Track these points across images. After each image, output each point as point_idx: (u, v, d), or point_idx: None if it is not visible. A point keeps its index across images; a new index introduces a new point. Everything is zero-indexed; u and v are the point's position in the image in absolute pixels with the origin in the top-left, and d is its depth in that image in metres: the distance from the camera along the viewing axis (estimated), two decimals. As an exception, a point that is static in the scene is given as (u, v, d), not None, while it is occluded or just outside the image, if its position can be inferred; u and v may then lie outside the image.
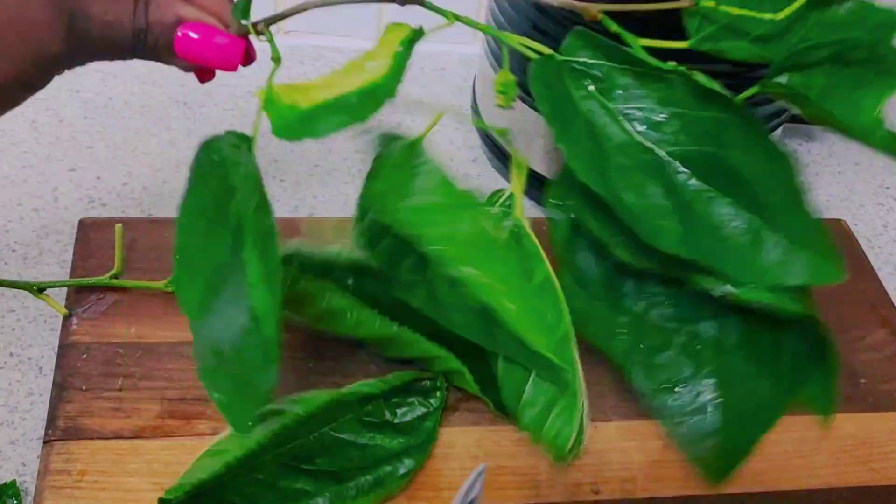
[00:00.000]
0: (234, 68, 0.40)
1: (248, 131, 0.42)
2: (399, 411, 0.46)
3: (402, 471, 0.44)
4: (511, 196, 0.46)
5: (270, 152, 0.65)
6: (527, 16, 0.59)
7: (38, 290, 0.50)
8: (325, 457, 0.44)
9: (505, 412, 0.47)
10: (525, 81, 0.62)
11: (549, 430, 0.42)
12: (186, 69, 0.42)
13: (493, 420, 0.47)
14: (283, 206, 0.61)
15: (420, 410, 0.46)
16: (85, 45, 0.39)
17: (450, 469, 0.45)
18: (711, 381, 0.42)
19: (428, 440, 0.45)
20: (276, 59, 0.40)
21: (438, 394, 0.47)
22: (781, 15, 0.42)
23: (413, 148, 0.44)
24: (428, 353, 0.47)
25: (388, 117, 0.71)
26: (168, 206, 0.59)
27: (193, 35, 0.39)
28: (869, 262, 0.60)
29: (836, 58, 0.42)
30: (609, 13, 0.45)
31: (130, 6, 0.39)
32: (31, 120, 0.64)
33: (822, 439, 0.49)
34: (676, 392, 0.42)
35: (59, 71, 0.39)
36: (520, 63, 0.62)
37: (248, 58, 0.43)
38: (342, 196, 0.63)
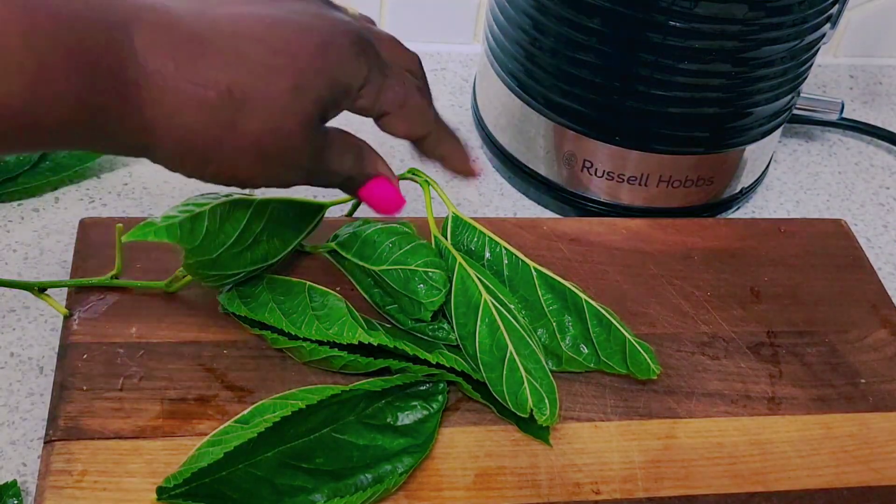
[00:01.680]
0: (393, 213, 0.48)
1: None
2: (401, 415, 0.46)
3: (400, 469, 0.44)
4: None
5: (271, 152, 0.65)
6: (527, 15, 0.59)
7: (39, 289, 0.50)
8: (325, 456, 0.44)
9: (511, 419, 0.47)
10: (525, 81, 0.62)
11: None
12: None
13: (493, 420, 0.47)
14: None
15: (421, 413, 0.46)
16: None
17: (450, 469, 0.45)
18: None
19: (428, 440, 0.45)
20: None
21: (440, 397, 0.47)
22: None
23: None
24: (422, 374, 0.47)
25: (388, 117, 0.71)
26: (168, 206, 0.59)
27: (376, 189, 0.46)
28: (869, 262, 0.60)
29: None
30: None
31: (353, 158, 0.45)
32: (32, 120, 0.64)
33: (822, 439, 0.49)
34: None
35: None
36: (520, 62, 0.62)
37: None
38: (342, 196, 0.63)
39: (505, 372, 0.46)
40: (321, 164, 0.43)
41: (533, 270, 0.51)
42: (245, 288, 0.49)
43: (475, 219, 0.53)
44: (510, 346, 0.46)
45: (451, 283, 0.48)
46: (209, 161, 0.39)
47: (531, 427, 0.47)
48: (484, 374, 0.46)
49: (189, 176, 0.40)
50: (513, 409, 0.46)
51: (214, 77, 0.37)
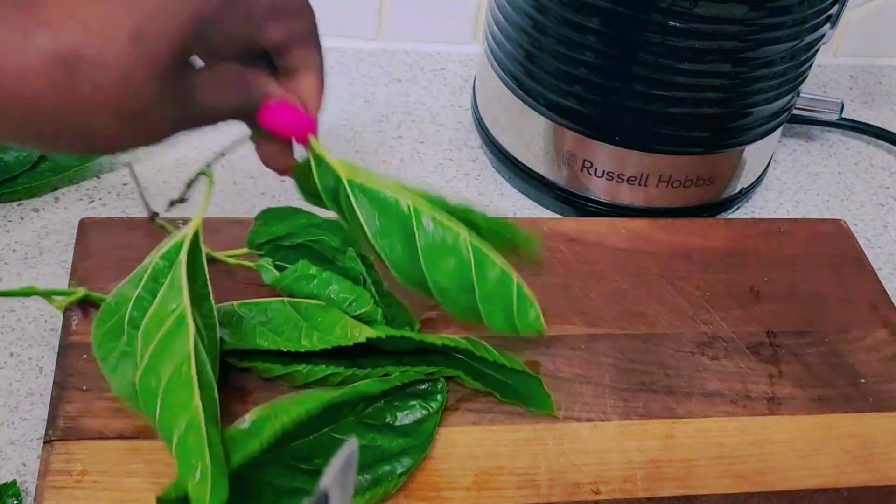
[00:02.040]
0: (301, 142, 0.44)
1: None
2: (399, 414, 0.46)
3: (399, 470, 0.44)
4: None
5: (270, 152, 0.65)
6: (527, 15, 0.59)
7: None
8: (324, 457, 0.44)
9: (514, 399, 0.47)
10: (525, 81, 0.62)
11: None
12: (261, 135, 0.44)
13: (492, 420, 0.47)
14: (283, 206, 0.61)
15: (420, 413, 0.46)
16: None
17: (449, 469, 0.45)
18: None
19: (427, 440, 0.45)
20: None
21: (439, 396, 0.47)
22: None
23: None
24: (420, 375, 0.47)
25: (388, 118, 0.71)
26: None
27: (277, 110, 0.42)
28: (869, 262, 0.60)
29: None
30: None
31: (235, 91, 0.41)
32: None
33: (822, 439, 0.49)
34: None
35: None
36: (520, 62, 0.62)
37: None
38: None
39: (500, 301, 0.47)
40: (195, 108, 0.39)
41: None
42: (222, 320, 0.48)
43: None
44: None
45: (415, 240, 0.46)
46: (60, 133, 0.36)
47: (535, 402, 0.47)
48: (482, 310, 0.46)
49: (47, 151, 0.38)
50: (521, 333, 0.47)
51: (45, 44, 0.34)
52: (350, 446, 0.31)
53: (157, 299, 0.42)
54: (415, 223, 0.44)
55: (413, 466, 0.44)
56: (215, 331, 0.44)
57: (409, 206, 0.45)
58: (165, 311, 0.41)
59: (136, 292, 0.43)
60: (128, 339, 0.43)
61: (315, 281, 0.48)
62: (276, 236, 0.51)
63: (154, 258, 0.44)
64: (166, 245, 0.44)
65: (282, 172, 0.46)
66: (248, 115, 0.42)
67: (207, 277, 0.44)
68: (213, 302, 0.44)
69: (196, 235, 0.43)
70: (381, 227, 0.44)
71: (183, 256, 0.42)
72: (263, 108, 0.42)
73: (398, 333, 0.46)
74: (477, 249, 0.45)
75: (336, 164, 0.44)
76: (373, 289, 0.48)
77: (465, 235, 0.45)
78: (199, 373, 0.40)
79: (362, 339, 0.45)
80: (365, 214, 0.44)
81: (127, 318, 0.43)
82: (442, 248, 0.45)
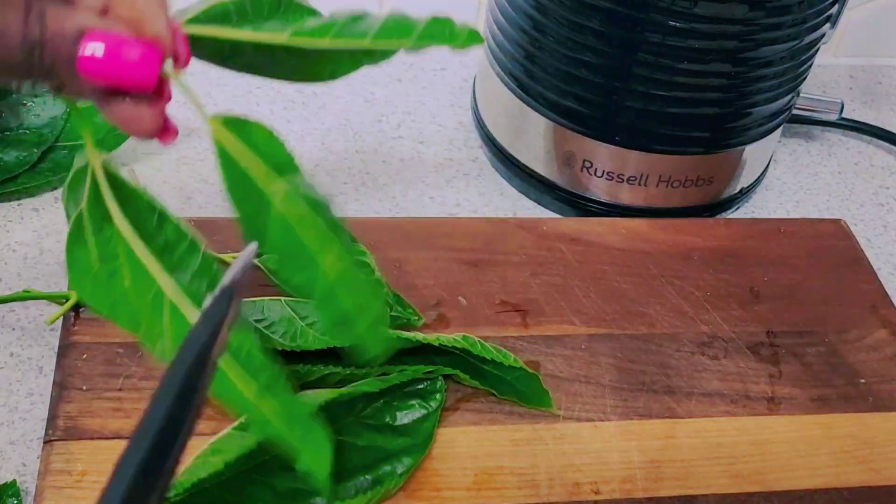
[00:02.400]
0: (150, 86, 0.33)
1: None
2: (399, 414, 0.46)
3: (399, 470, 0.44)
4: None
5: (270, 152, 0.65)
6: (527, 15, 0.59)
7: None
8: None
9: (513, 397, 0.47)
10: (525, 81, 0.62)
11: None
12: (100, 99, 0.34)
13: (492, 420, 0.47)
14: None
15: (420, 412, 0.46)
16: None
17: (449, 469, 0.45)
18: None
19: (427, 440, 0.45)
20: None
21: (438, 395, 0.47)
22: None
23: None
24: (418, 374, 0.47)
25: (388, 118, 0.71)
26: (168, 206, 0.59)
27: (99, 48, 0.32)
28: (869, 262, 0.60)
29: None
30: None
31: (20, 12, 0.31)
32: (31, 120, 0.64)
33: (822, 439, 0.49)
34: None
35: None
36: (520, 62, 0.62)
37: (167, 131, 0.36)
38: (342, 195, 0.63)
39: None
40: None
41: None
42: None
43: (475, 219, 0.53)
44: None
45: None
46: None
47: (534, 399, 0.47)
48: None
49: None
50: None
51: None
52: (251, 246, 0.31)
53: (125, 272, 0.38)
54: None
55: (413, 466, 0.44)
56: (217, 274, 0.39)
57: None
58: (148, 291, 0.38)
59: (91, 249, 0.40)
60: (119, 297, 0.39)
61: None
62: None
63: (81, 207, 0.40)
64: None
65: (151, 135, 0.36)
66: (60, 64, 0.32)
67: (173, 219, 0.39)
68: (190, 236, 0.39)
69: (112, 177, 0.38)
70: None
71: (119, 219, 0.38)
72: (81, 51, 0.32)
73: (395, 334, 0.46)
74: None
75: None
76: (384, 288, 0.48)
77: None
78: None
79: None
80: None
81: (101, 276, 0.39)
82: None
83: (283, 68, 0.40)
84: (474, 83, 0.71)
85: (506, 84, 0.63)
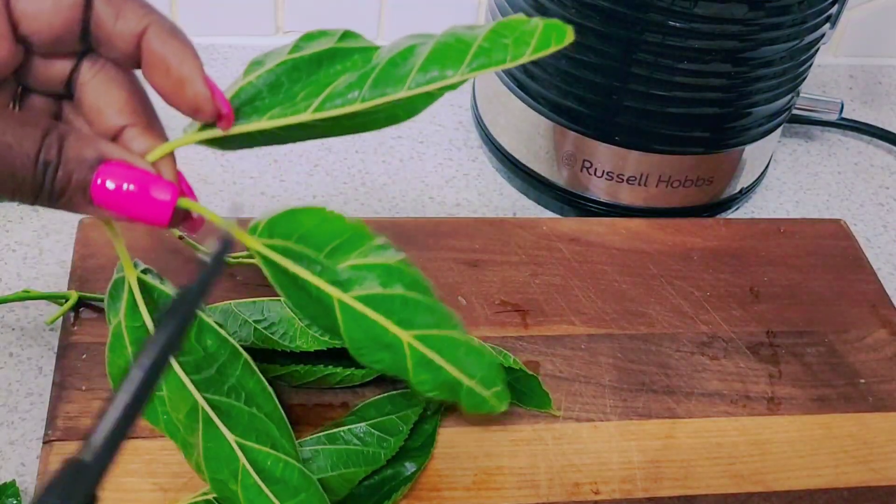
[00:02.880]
0: (164, 224, 0.34)
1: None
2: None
3: (404, 474, 0.44)
4: None
5: (270, 153, 0.65)
6: (526, 14, 0.59)
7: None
8: None
9: (513, 399, 0.47)
10: (525, 81, 0.62)
11: None
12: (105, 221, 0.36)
13: (492, 420, 0.47)
14: (282, 206, 0.61)
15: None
16: None
17: (449, 469, 0.45)
18: None
19: (428, 442, 0.45)
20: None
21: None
22: None
23: None
24: None
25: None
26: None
27: (113, 181, 0.32)
28: (869, 262, 0.60)
29: None
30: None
31: (38, 133, 0.32)
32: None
33: (822, 439, 0.49)
34: None
35: None
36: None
37: (192, 225, 0.36)
38: (342, 196, 0.63)
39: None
40: None
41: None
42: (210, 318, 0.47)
43: (475, 219, 0.53)
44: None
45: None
46: None
47: (534, 401, 0.47)
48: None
49: None
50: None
51: None
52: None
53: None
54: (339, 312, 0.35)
55: (419, 470, 0.44)
56: (259, 384, 0.40)
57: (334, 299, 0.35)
58: (184, 404, 0.38)
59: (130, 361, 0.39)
60: (161, 408, 0.39)
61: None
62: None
63: (120, 319, 0.39)
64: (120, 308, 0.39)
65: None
66: (72, 189, 0.32)
67: (215, 328, 0.39)
68: (234, 345, 0.39)
69: (147, 289, 0.39)
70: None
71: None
72: (96, 180, 0.32)
73: None
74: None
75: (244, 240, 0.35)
76: None
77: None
78: (266, 475, 0.38)
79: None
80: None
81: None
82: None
83: (317, 132, 0.38)
84: (474, 83, 0.71)
85: (505, 84, 0.63)
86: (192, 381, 0.38)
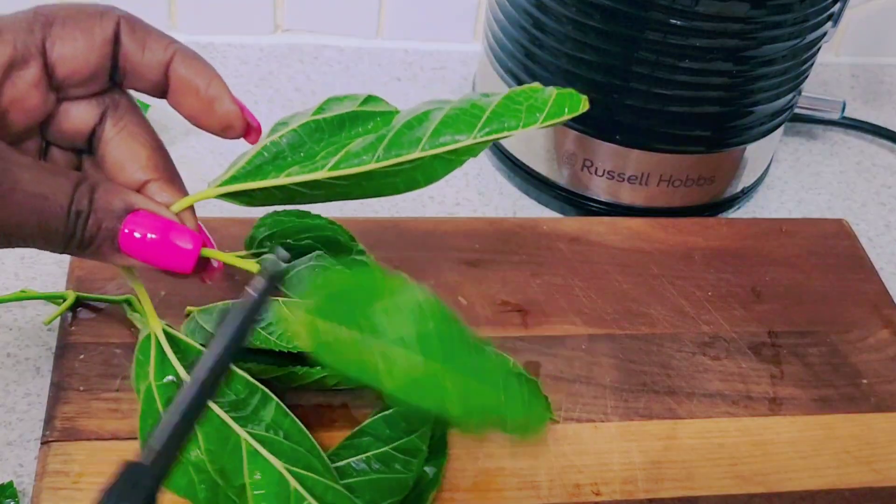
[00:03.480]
0: (187, 272, 0.35)
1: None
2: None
3: (427, 478, 0.43)
4: None
5: (269, 151, 0.65)
6: (527, 13, 0.59)
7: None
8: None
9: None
10: (525, 80, 0.61)
11: None
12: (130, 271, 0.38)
13: (493, 421, 0.47)
14: (282, 206, 0.61)
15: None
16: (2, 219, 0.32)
17: (450, 470, 0.45)
18: None
19: (441, 443, 0.44)
20: None
21: None
22: None
23: None
24: None
25: (387, 116, 0.71)
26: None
27: (140, 230, 0.34)
28: (871, 262, 0.59)
29: None
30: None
31: (70, 184, 0.33)
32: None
33: (824, 440, 0.49)
34: None
35: None
36: (520, 61, 0.61)
37: (210, 273, 0.39)
38: (341, 195, 0.63)
39: None
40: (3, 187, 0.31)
41: None
42: (208, 317, 0.46)
43: (475, 218, 0.53)
44: None
45: None
46: None
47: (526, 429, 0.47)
48: None
49: None
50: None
51: None
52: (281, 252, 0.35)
53: (199, 435, 0.38)
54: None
55: (440, 472, 0.44)
56: (294, 424, 0.40)
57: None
58: (225, 448, 0.38)
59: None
60: (197, 472, 0.39)
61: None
62: (282, 228, 0.51)
63: (150, 380, 0.39)
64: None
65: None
66: (100, 238, 0.34)
67: (243, 375, 0.40)
68: (263, 390, 0.39)
69: (173, 340, 0.39)
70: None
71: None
72: (124, 228, 0.34)
73: None
74: None
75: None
76: None
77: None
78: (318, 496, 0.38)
79: None
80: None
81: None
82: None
83: (336, 193, 0.39)
84: (474, 81, 0.71)
85: (506, 82, 0.63)
86: (232, 417, 0.38)
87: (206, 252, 0.36)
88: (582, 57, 0.58)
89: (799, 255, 0.59)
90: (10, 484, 0.44)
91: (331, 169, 0.37)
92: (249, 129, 0.38)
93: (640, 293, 0.55)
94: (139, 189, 0.37)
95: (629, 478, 0.46)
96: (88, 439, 0.44)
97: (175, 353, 0.40)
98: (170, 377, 0.39)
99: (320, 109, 0.39)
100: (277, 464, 0.38)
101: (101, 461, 0.43)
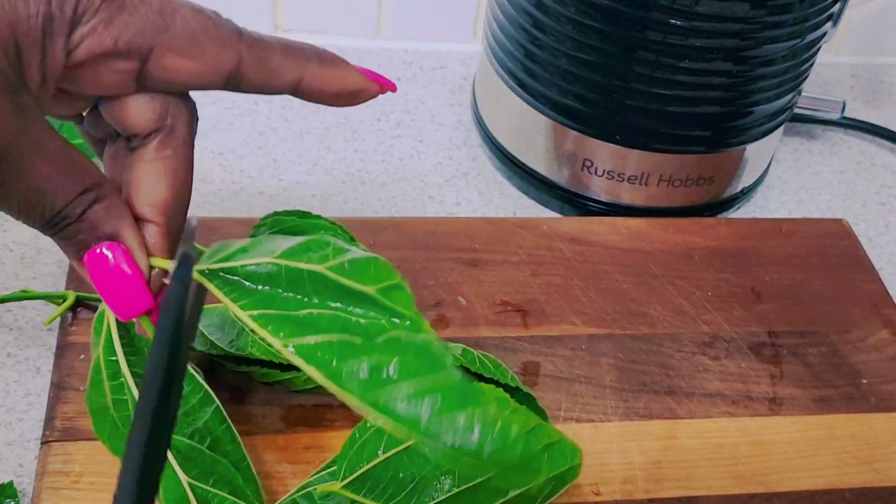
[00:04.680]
0: (121, 319, 0.35)
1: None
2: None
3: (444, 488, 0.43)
4: None
5: (269, 152, 0.65)
6: (527, 13, 0.59)
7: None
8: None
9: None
10: (525, 80, 0.61)
11: None
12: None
13: (492, 421, 0.47)
14: (282, 205, 0.61)
15: None
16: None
17: (449, 470, 0.45)
18: None
19: None
20: None
21: None
22: None
23: None
24: None
25: (387, 117, 0.71)
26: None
27: (112, 261, 0.33)
28: (871, 262, 0.59)
29: None
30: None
31: (76, 189, 0.33)
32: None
33: (824, 440, 0.49)
34: None
35: None
36: (520, 61, 0.61)
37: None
38: (341, 195, 0.63)
39: None
40: (10, 175, 0.31)
41: None
42: (208, 322, 0.46)
43: (475, 218, 0.53)
44: None
45: None
46: None
47: None
48: None
49: None
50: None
51: None
52: (192, 221, 0.33)
53: None
54: None
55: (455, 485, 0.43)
56: (229, 430, 0.40)
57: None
58: None
59: (107, 395, 0.39)
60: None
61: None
62: (283, 228, 0.51)
63: (99, 353, 0.39)
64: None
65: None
66: (71, 236, 0.33)
67: (191, 371, 0.39)
68: (206, 388, 0.39)
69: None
70: None
71: (124, 369, 0.38)
72: (93, 250, 0.33)
73: None
74: None
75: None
76: None
77: None
78: None
79: None
80: None
81: (119, 422, 0.39)
82: None
83: None
84: (474, 82, 0.71)
85: (506, 82, 0.63)
86: None
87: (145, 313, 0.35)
88: (582, 57, 0.58)
89: (799, 256, 0.59)
90: (10, 484, 0.44)
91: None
92: (383, 85, 0.39)
93: (640, 293, 0.55)
94: (138, 219, 0.35)
95: (629, 478, 0.46)
96: (88, 439, 0.43)
97: (121, 337, 0.39)
98: (114, 358, 0.39)
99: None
100: (182, 477, 0.37)
101: (101, 461, 0.43)
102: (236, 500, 0.38)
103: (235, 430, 0.40)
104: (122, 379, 0.39)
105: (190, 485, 0.37)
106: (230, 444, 0.39)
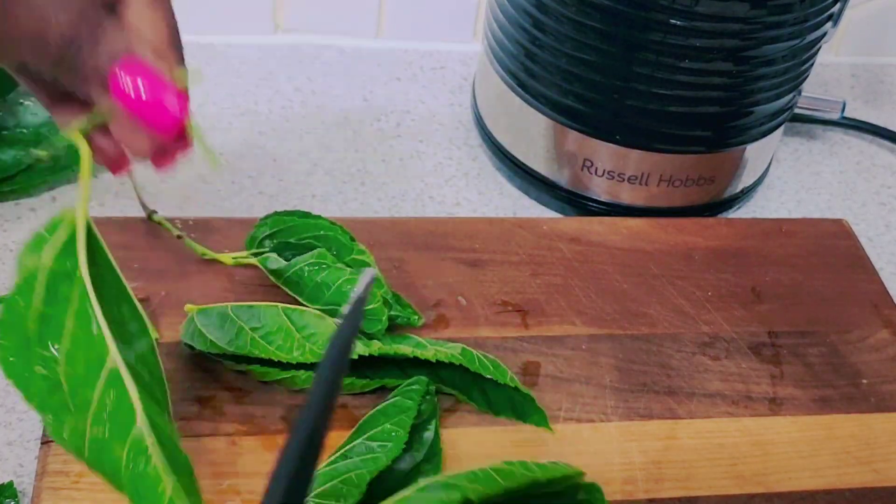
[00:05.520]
0: (169, 133, 0.34)
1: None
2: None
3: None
4: None
5: (269, 151, 0.65)
6: (527, 13, 0.59)
7: None
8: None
9: (511, 415, 0.47)
10: (525, 80, 0.61)
11: None
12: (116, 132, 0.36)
13: (492, 421, 0.47)
14: (282, 205, 0.61)
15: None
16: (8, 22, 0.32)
17: (448, 470, 0.45)
18: None
19: (433, 452, 0.44)
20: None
21: (428, 397, 0.46)
22: None
23: None
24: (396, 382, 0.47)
25: (387, 117, 0.71)
26: (167, 205, 0.59)
27: (130, 76, 0.33)
28: (871, 262, 0.59)
29: None
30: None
31: (74, 11, 0.32)
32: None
33: (824, 440, 0.49)
34: None
35: None
36: (520, 61, 0.61)
37: (182, 141, 0.36)
38: (341, 195, 0.63)
39: None
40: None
41: None
42: (207, 321, 0.46)
43: (475, 218, 0.53)
44: None
45: None
46: None
47: (530, 418, 0.47)
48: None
49: None
50: None
51: None
52: (370, 270, 0.34)
53: (66, 333, 0.36)
54: None
55: (437, 473, 0.43)
56: (157, 366, 0.39)
57: None
58: (88, 357, 0.36)
59: (36, 307, 0.36)
60: (45, 365, 0.37)
61: (327, 271, 0.47)
62: (283, 228, 0.51)
63: (44, 262, 0.36)
64: (53, 245, 0.36)
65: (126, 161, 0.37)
66: (89, 73, 0.33)
67: (133, 299, 0.38)
68: (145, 321, 0.38)
69: (91, 236, 0.37)
70: None
71: (85, 274, 0.36)
72: (115, 69, 0.33)
73: (391, 351, 0.45)
74: None
75: None
76: (384, 287, 0.48)
77: None
78: (161, 444, 0.35)
79: (354, 356, 0.44)
80: None
81: (34, 336, 0.37)
82: None
83: None
84: (474, 82, 0.71)
85: (506, 83, 0.63)
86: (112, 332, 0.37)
87: (188, 122, 0.34)
88: (582, 57, 0.58)
89: (799, 256, 0.59)
90: (10, 484, 0.44)
91: None
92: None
93: (640, 293, 0.55)
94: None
95: (629, 478, 0.46)
96: (88, 439, 0.43)
97: (89, 254, 0.37)
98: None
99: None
100: (134, 395, 0.35)
101: (101, 461, 0.43)
102: (169, 424, 0.37)
103: (162, 369, 0.39)
104: (67, 292, 0.36)
105: (143, 408, 0.36)
106: (157, 380, 0.38)
